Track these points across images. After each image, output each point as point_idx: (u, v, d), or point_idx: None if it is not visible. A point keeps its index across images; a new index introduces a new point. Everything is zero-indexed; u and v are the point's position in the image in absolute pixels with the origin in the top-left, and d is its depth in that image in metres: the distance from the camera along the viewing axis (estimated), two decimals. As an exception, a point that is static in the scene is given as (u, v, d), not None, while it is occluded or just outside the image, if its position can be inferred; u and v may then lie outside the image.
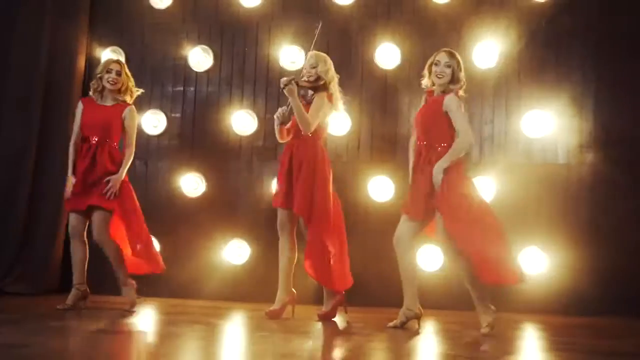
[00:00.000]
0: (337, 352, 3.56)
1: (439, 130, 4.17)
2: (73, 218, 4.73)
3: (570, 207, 5.36)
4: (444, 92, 4.21)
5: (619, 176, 5.26)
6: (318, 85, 4.48)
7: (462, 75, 4.25)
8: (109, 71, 4.75)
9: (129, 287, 4.77)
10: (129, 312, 4.62)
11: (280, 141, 4.62)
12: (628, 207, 5.23)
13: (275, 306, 4.52)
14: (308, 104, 4.51)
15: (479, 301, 4.11)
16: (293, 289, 4.61)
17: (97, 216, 4.63)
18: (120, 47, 5.95)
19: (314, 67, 4.52)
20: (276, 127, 4.57)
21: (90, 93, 4.84)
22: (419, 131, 4.27)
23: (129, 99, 4.85)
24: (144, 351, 3.43)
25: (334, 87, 4.54)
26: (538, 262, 5.29)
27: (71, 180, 4.71)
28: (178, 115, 5.90)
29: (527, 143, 5.45)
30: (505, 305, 5.02)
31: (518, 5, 5.52)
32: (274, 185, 5.58)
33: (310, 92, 4.54)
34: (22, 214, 5.61)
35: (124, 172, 4.73)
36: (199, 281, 5.60)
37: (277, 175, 4.68)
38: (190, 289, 5.56)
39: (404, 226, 4.22)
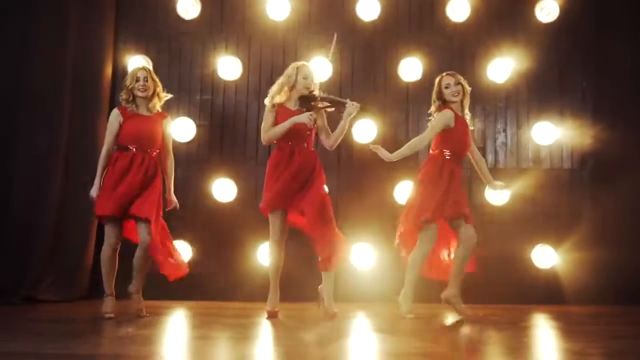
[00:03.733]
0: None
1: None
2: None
3: (574, 207, 5.96)
4: (462, 109, 4.79)
5: (615, 179, 5.84)
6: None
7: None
8: (137, 80, 4.76)
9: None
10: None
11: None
12: (624, 207, 5.80)
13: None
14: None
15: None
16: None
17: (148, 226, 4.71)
18: (147, 55, 6.04)
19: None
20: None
21: (123, 105, 4.81)
22: (461, 149, 4.76)
23: (158, 105, 4.88)
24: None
25: None
26: (548, 258, 5.85)
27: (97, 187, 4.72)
28: (206, 123, 6.06)
29: (536, 150, 6.02)
30: (520, 299, 5.61)
31: (527, 25, 6.06)
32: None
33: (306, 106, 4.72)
34: (52, 221, 5.57)
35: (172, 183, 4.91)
36: (233, 284, 5.78)
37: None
38: (224, 292, 5.75)
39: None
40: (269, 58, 6.10)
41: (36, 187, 5.55)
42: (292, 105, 4.70)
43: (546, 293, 5.73)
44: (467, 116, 4.83)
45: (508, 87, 6.01)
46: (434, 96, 4.82)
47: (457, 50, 6.07)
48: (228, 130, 6.06)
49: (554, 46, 6.05)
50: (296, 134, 4.63)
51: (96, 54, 5.92)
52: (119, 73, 6.05)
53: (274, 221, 4.65)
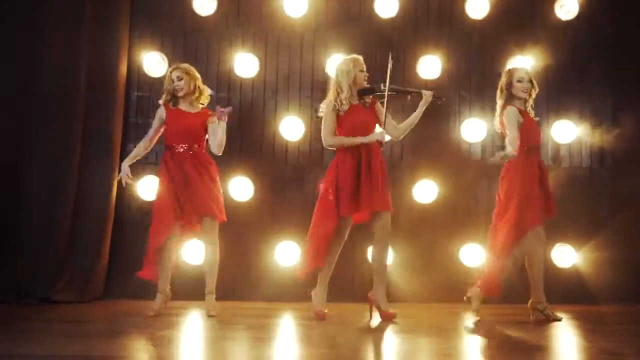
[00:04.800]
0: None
1: None
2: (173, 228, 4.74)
3: (594, 206, 5.92)
4: (526, 106, 4.75)
5: (635, 177, 5.80)
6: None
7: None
8: (172, 80, 4.83)
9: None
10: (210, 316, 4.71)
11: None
12: (643, 206, 5.81)
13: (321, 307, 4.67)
14: (367, 108, 4.71)
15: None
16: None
17: (209, 222, 4.83)
18: (162, 52, 5.96)
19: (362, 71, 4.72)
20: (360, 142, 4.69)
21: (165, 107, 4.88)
22: (536, 141, 4.73)
23: (203, 100, 4.92)
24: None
25: None
26: (568, 257, 5.82)
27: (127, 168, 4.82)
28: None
29: (555, 148, 5.98)
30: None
31: (546, 23, 6.01)
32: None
33: (369, 97, 4.73)
34: (68, 222, 5.48)
35: None
36: (250, 283, 5.73)
37: (339, 183, 4.63)
38: (241, 292, 5.68)
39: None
40: (286, 55, 6.02)
41: (51, 188, 5.46)
42: (354, 100, 4.68)
43: (566, 292, 5.67)
44: (532, 112, 4.81)
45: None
46: (502, 86, 4.74)
47: (476, 48, 6.02)
48: (245, 128, 5.98)
49: (573, 44, 6.00)
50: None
51: (111, 51, 5.81)
52: (134, 70, 5.97)
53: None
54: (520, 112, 4.68)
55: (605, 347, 3.64)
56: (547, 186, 4.71)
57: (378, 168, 4.60)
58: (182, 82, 4.81)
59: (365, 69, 4.70)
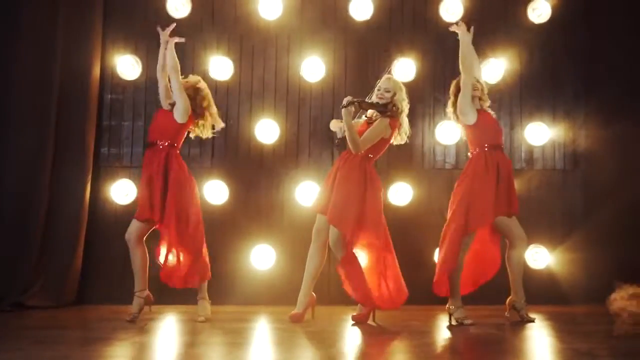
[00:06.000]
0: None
1: None
2: (139, 224, 4.67)
3: (567, 207, 5.99)
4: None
5: (608, 179, 5.87)
6: (385, 110, 4.64)
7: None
8: None
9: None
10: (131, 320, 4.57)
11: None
12: (616, 207, 5.80)
13: (298, 309, 4.67)
14: (369, 124, 4.68)
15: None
16: (313, 292, 4.77)
17: None
18: (136, 55, 5.92)
19: (388, 92, 4.69)
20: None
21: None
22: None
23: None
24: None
25: (404, 119, 4.76)
26: (541, 258, 5.87)
27: None
28: (197, 123, 5.95)
29: (529, 151, 6.03)
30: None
31: (519, 26, 6.07)
32: (298, 191, 5.83)
33: (376, 113, 4.69)
34: (40, 226, 5.42)
35: None
36: (225, 287, 5.67)
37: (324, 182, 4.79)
38: (216, 295, 5.63)
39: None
40: (261, 57, 6.01)
41: (23, 191, 5.39)
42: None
43: (540, 293, 5.71)
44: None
45: (500, 87, 6.01)
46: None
47: (451, 51, 5.97)
48: (220, 131, 5.91)
49: (546, 47, 6.06)
50: None
51: (84, 53, 5.76)
52: (108, 73, 5.93)
53: None
54: (478, 111, 4.71)
55: (581, 348, 3.67)
56: (509, 184, 4.71)
57: (339, 178, 4.65)
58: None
59: (377, 86, 4.75)
